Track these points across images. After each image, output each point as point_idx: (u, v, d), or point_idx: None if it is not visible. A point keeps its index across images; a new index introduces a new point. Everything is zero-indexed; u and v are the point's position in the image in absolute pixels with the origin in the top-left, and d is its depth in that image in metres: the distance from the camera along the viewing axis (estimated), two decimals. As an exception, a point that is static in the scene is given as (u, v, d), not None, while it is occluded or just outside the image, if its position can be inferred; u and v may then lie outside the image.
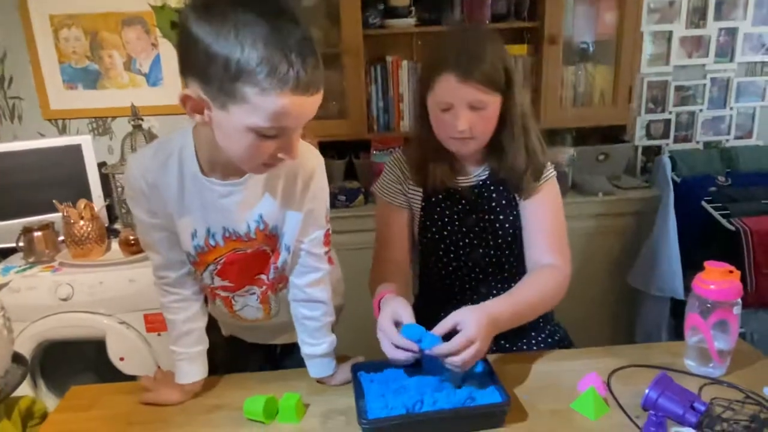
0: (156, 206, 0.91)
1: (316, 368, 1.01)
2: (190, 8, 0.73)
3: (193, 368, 1.00)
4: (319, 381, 1.02)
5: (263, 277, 1.01)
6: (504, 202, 1.16)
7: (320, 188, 0.96)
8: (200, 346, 1.02)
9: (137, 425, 0.92)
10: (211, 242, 0.93)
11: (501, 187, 1.16)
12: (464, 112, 1.03)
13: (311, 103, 0.75)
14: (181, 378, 0.99)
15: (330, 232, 1.02)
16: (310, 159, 0.94)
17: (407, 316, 0.92)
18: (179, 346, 1.00)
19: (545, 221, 1.14)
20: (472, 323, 0.88)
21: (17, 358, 1.02)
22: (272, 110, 0.72)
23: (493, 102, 1.04)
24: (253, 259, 0.98)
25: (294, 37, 0.71)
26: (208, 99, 0.74)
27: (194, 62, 0.73)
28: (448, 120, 1.05)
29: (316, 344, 1.01)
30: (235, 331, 1.20)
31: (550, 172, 1.16)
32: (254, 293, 1.03)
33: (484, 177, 1.16)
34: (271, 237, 0.96)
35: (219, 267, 0.97)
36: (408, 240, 1.21)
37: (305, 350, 1.02)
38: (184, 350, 1.00)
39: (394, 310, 0.93)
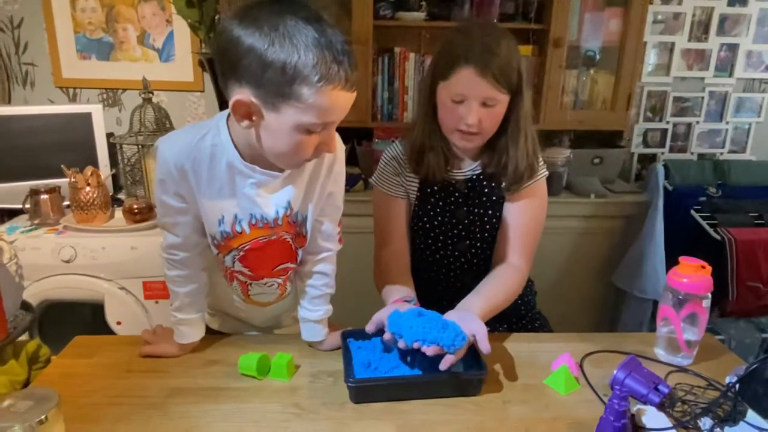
0: (184, 190, 0.92)
1: (309, 332, 1.07)
2: (236, 20, 0.77)
3: (191, 330, 1.05)
4: (310, 345, 1.08)
5: (289, 264, 1.03)
6: (494, 198, 1.20)
7: (340, 172, 1.01)
8: (200, 312, 1.06)
9: (137, 373, 0.98)
10: (237, 228, 0.95)
11: (493, 183, 1.20)
12: (476, 107, 1.06)
13: (352, 97, 0.82)
14: (179, 338, 1.04)
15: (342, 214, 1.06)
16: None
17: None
18: (180, 313, 1.03)
19: (523, 223, 1.19)
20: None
21: (25, 305, 1.08)
22: (324, 107, 0.78)
23: (503, 100, 1.08)
24: (273, 249, 0.99)
25: (338, 39, 0.77)
26: (259, 103, 0.79)
27: (246, 69, 0.76)
28: (459, 112, 1.07)
29: (313, 310, 1.06)
30: (227, 326, 1.20)
31: (542, 173, 1.20)
32: (273, 284, 1.06)
33: (478, 171, 1.20)
34: (292, 225, 0.98)
35: (242, 254, 0.98)
36: (407, 229, 1.25)
37: (302, 314, 1.07)
38: (185, 317, 1.03)
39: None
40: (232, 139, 0.89)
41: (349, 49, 0.79)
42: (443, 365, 0.89)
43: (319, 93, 0.77)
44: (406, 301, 1.05)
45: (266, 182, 0.92)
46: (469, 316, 0.99)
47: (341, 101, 0.80)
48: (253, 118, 0.81)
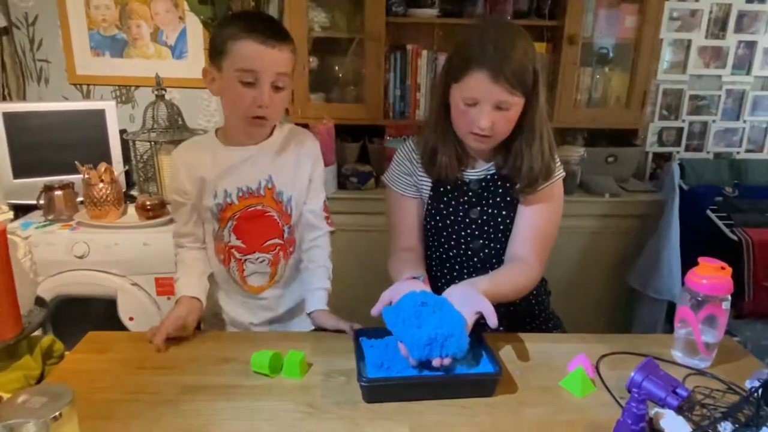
0: (190, 178, 1.16)
1: (312, 300, 1.17)
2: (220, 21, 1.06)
3: (192, 281, 1.16)
4: (316, 326, 1.12)
5: (277, 240, 1.20)
6: (508, 198, 1.18)
7: (317, 161, 1.22)
8: (200, 274, 1.19)
9: (149, 369, 0.98)
10: (228, 200, 1.16)
11: (507, 184, 1.18)
12: (489, 111, 1.04)
13: (274, 54, 1.04)
14: (181, 290, 1.14)
15: (326, 200, 1.25)
16: (308, 139, 1.22)
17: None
18: (181, 272, 1.19)
19: (537, 227, 1.17)
20: None
21: (39, 301, 1.08)
22: (243, 55, 1.03)
23: (517, 103, 1.05)
24: (262, 222, 1.18)
25: (267, 21, 1.08)
26: (214, 68, 1.07)
27: (210, 45, 1.08)
28: (471, 115, 1.06)
29: (314, 280, 1.19)
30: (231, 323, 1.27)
31: (559, 174, 1.18)
32: (264, 260, 1.20)
33: (492, 171, 1.19)
34: (278, 203, 1.17)
35: (235, 223, 1.17)
36: (421, 227, 1.25)
37: (306, 286, 1.20)
38: (184, 275, 1.18)
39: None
40: (224, 130, 1.16)
41: (276, 25, 1.07)
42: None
43: (238, 43, 1.03)
44: (414, 278, 1.05)
45: (248, 157, 1.15)
46: (473, 292, 0.98)
47: (260, 53, 1.03)
48: (214, 79, 1.08)
